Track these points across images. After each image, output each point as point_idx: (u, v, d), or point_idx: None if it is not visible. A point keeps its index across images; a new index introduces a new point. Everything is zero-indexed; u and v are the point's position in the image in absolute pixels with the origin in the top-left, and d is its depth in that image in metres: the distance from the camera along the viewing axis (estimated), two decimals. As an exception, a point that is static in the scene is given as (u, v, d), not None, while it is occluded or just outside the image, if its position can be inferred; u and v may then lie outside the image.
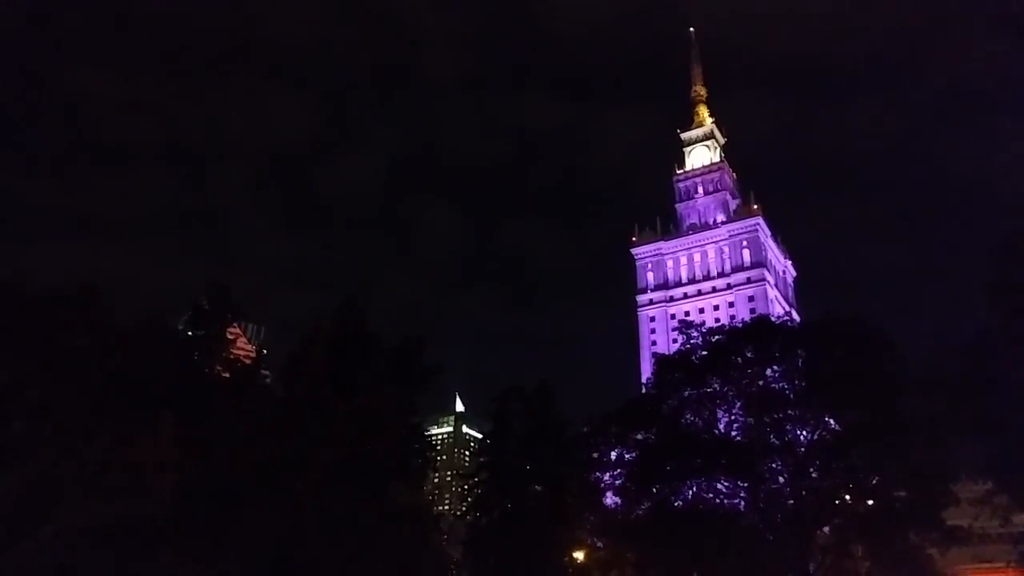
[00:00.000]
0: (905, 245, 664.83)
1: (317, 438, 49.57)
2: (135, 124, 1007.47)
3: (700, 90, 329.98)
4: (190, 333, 61.33)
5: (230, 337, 63.06)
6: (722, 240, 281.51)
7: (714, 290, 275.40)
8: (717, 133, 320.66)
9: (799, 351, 59.68)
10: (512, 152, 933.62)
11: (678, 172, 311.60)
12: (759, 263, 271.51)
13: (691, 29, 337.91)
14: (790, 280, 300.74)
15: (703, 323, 71.47)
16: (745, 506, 58.26)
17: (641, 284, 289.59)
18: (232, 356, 61.46)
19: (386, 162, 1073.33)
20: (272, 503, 45.14)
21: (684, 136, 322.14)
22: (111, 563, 40.17)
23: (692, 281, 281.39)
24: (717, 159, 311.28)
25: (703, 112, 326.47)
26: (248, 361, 65.17)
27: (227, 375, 58.76)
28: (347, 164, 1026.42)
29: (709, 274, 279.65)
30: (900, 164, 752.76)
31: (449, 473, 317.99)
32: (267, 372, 67.12)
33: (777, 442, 57.08)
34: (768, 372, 59.44)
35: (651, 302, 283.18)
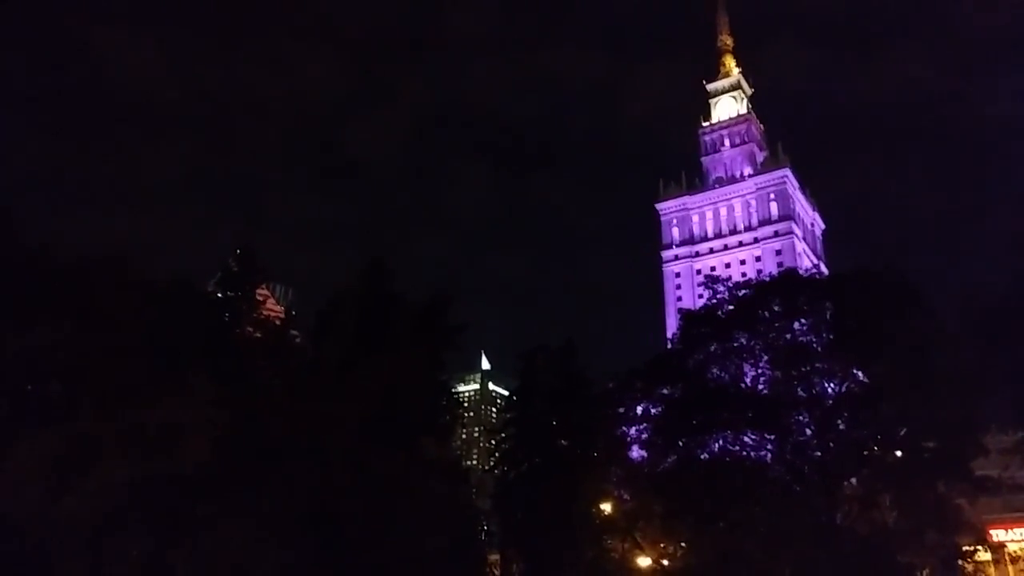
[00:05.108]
0: (938, 196, 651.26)
1: (346, 395, 50.41)
2: (161, 87, 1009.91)
3: (726, 40, 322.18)
4: (220, 295, 62.39)
5: (259, 298, 64.13)
6: (749, 193, 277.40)
7: (740, 244, 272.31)
8: (744, 84, 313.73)
9: (826, 304, 59.12)
10: (541, 107, 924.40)
11: (704, 125, 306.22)
12: (787, 216, 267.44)
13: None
14: (818, 233, 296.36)
15: (729, 277, 70.68)
16: (772, 458, 58.35)
17: (666, 239, 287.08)
18: (262, 317, 62.52)
19: (414, 120, 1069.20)
20: (306, 458, 46.18)
21: (710, 87, 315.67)
22: (152, 513, 41.52)
23: (718, 235, 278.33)
24: (744, 110, 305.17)
25: (729, 62, 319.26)
26: (277, 322, 66.29)
27: (258, 335, 59.79)
28: (374, 123, 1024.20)
29: (735, 228, 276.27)
30: (933, 113, 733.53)
31: (476, 429, 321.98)
32: (296, 332, 68.24)
33: (804, 395, 56.83)
34: (795, 325, 58.99)
35: (676, 257, 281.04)
